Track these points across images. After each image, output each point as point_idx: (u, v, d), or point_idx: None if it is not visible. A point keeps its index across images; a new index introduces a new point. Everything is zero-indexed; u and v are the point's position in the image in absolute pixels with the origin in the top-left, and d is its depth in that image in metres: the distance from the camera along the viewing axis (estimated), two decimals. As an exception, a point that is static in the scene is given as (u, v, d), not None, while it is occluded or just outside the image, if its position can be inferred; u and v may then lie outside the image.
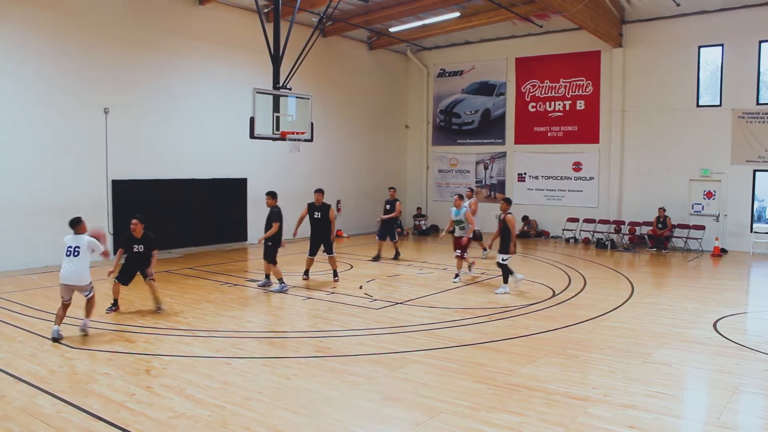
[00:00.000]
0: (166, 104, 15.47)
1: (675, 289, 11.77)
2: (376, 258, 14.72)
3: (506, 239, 10.92)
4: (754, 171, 16.96)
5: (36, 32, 13.05)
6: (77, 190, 13.70)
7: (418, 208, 22.69)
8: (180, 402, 5.74)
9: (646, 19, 18.14)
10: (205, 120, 16.29)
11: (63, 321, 7.89)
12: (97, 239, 8.04)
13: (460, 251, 12.16)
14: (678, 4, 16.89)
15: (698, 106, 17.68)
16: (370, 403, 5.80)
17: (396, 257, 14.94)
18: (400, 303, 10.11)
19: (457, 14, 18.03)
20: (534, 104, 20.66)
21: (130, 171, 14.74)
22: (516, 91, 21.02)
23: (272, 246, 11.01)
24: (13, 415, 5.44)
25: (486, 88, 21.75)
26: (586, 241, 18.91)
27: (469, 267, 12.81)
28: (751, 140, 16.79)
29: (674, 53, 17.79)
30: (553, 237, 20.10)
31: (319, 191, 12.20)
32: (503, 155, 21.47)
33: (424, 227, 21.60)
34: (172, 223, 15.34)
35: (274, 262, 11.05)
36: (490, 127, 21.73)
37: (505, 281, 11.00)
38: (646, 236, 18.01)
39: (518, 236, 19.75)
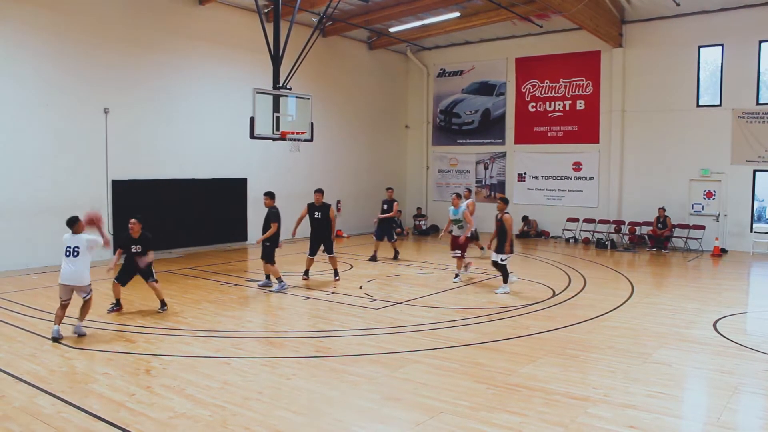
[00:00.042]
0: (166, 104, 15.47)
1: (675, 289, 11.77)
2: (373, 258, 14.73)
3: (503, 239, 10.90)
4: (754, 171, 16.96)
5: (36, 32, 13.05)
6: (77, 190, 13.69)
7: (418, 208, 22.69)
8: (180, 402, 5.74)
9: (646, 19, 18.14)
10: (205, 120, 16.29)
11: (63, 321, 7.89)
12: (94, 223, 7.96)
13: (459, 251, 12.17)
14: (678, 4, 16.89)
15: (698, 106, 17.68)
16: (370, 403, 5.80)
17: (395, 257, 14.95)
18: (400, 303, 10.11)
19: (457, 14, 18.03)
20: (534, 104, 20.66)
21: (130, 171, 14.74)
22: (516, 91, 21.02)
23: (270, 246, 11.02)
24: (13, 415, 5.44)
25: (486, 88, 21.75)
26: (586, 241, 18.91)
27: (465, 267, 12.81)
28: (751, 140, 16.79)
29: (674, 53, 17.80)
30: (553, 237, 20.10)
31: (319, 191, 12.20)
32: (503, 155, 21.48)
33: (424, 227, 21.60)
34: (172, 223, 15.35)
35: (272, 262, 11.06)
36: (490, 127, 21.74)
37: (505, 281, 11.00)
38: (646, 236, 18.01)
39: (518, 236, 19.80)
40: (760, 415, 5.83)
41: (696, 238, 17.35)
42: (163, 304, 9.37)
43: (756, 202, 17.53)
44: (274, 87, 12.36)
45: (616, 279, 12.85)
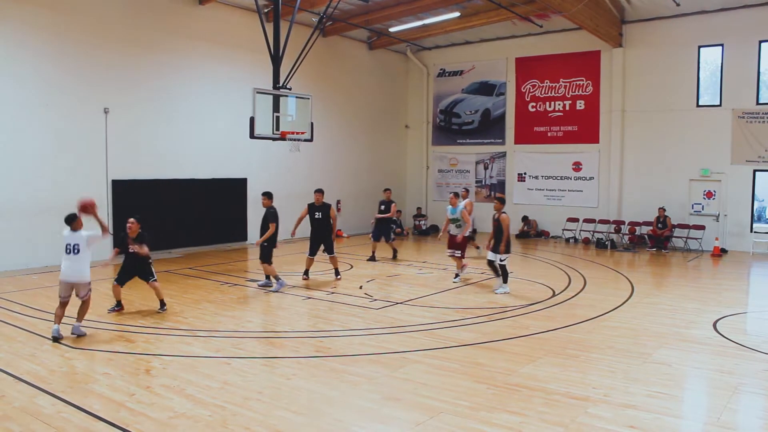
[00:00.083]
0: (166, 104, 15.47)
1: (675, 289, 11.77)
2: (372, 258, 14.73)
3: (500, 239, 10.88)
4: (754, 171, 16.96)
5: (36, 32, 13.05)
6: (77, 190, 13.53)
7: (418, 208, 22.69)
8: (180, 402, 5.74)
9: (646, 19, 18.14)
10: (205, 120, 16.29)
11: (62, 320, 7.88)
12: (88, 210, 7.89)
13: (459, 252, 12.16)
14: (678, 4, 16.89)
15: (698, 106, 17.68)
16: (370, 403, 5.80)
17: (394, 257, 14.95)
18: (400, 303, 10.11)
19: (457, 14, 18.03)
20: (534, 104, 20.66)
21: (130, 171, 14.74)
22: (516, 91, 21.02)
23: (268, 246, 11.02)
24: (13, 415, 5.44)
25: (486, 88, 21.75)
26: (586, 241, 18.91)
27: (462, 269, 12.78)
28: (751, 140, 16.79)
29: (674, 53, 17.80)
30: (553, 237, 20.09)
31: (319, 191, 12.21)
32: (503, 155, 21.47)
33: (424, 227, 21.59)
34: (172, 223, 15.36)
35: (269, 262, 11.06)
36: (490, 127, 21.74)
37: (505, 281, 10.99)
38: (646, 236, 18.01)
39: (518, 236, 19.81)
40: (760, 415, 5.83)
41: (696, 238, 17.35)
42: (163, 304, 9.37)
43: (756, 202, 17.53)
44: (274, 87, 12.36)
45: (616, 279, 12.85)
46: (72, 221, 7.88)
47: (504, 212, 10.96)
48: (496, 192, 21.19)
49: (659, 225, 17.45)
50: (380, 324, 8.77)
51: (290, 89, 12.59)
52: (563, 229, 19.64)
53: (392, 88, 22.99)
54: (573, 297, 10.74)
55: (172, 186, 15.57)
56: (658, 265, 14.96)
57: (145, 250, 9.11)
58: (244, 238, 17.42)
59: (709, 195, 17.65)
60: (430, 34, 20.31)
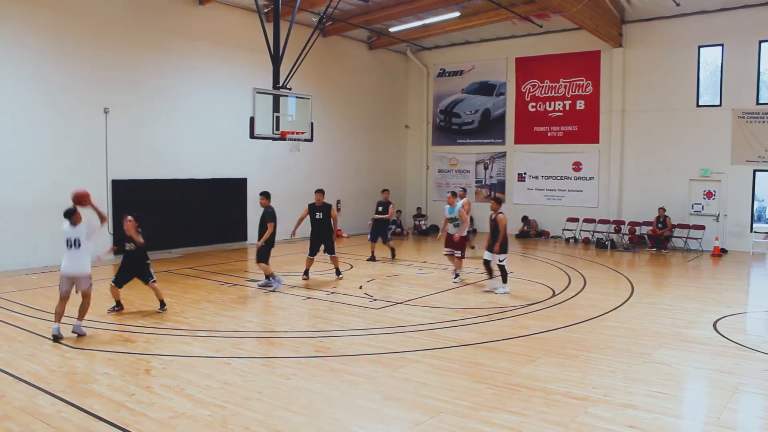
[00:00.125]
0: (166, 104, 15.48)
1: (675, 289, 11.77)
2: (372, 258, 14.73)
3: (497, 239, 10.88)
4: (754, 171, 16.96)
5: (36, 32, 13.05)
6: (77, 190, 13.68)
7: (418, 208, 22.68)
8: (180, 402, 5.74)
9: (646, 19, 18.14)
10: (205, 120, 16.29)
11: (62, 319, 7.87)
12: (83, 201, 7.87)
13: (460, 252, 12.15)
14: (678, 4, 16.89)
15: (698, 106, 17.68)
16: (370, 403, 5.80)
17: (393, 257, 14.94)
18: (400, 303, 10.11)
19: (457, 14, 18.03)
20: (534, 104, 20.66)
21: (130, 171, 14.74)
22: (516, 91, 21.02)
23: (266, 246, 11.02)
24: (13, 415, 5.44)
25: (486, 88, 21.75)
26: (586, 241, 18.91)
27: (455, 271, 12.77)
28: (751, 140, 16.79)
29: (674, 53, 17.80)
30: (553, 237, 20.09)
31: (320, 191, 12.22)
32: (503, 155, 21.47)
33: (423, 227, 21.58)
34: (171, 223, 15.36)
35: (266, 262, 11.06)
36: (490, 127, 21.74)
37: (504, 281, 10.99)
38: (646, 236, 18.01)
39: (518, 236, 19.81)
40: (760, 415, 5.83)
41: (696, 238, 17.35)
42: (163, 304, 9.37)
43: (756, 202, 17.54)
44: (274, 87, 12.36)
45: (616, 279, 12.85)
46: (71, 215, 7.87)
47: (501, 212, 10.96)
48: (496, 192, 21.20)
49: (659, 225, 17.45)
50: (380, 324, 8.77)
51: (290, 89, 12.59)
52: (563, 229, 19.63)
53: (392, 88, 22.99)
54: (573, 297, 10.74)
55: (172, 186, 15.57)
56: (658, 265, 14.96)
57: (140, 239, 9.07)
58: (244, 238, 17.42)
59: (709, 195, 17.65)
60: (430, 34, 20.31)
